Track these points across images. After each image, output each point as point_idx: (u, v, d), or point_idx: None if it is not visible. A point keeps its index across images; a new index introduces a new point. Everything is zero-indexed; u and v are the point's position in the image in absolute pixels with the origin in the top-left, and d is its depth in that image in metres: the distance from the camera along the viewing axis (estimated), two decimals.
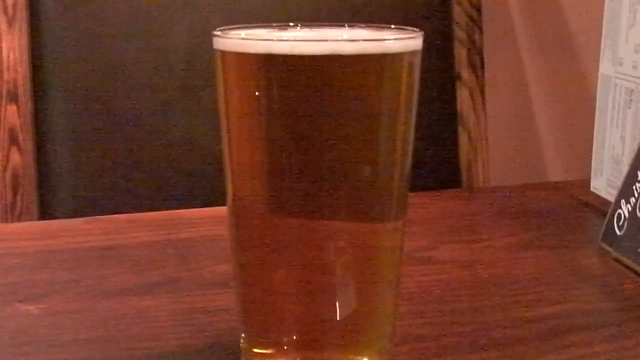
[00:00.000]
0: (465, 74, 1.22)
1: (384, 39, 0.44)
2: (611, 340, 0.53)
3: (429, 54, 1.21)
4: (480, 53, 1.23)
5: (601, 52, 0.78)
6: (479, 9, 1.21)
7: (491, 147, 1.19)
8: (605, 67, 0.78)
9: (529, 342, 0.53)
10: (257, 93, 0.43)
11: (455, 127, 1.21)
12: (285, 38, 0.43)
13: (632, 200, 0.66)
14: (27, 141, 0.98)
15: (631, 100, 0.74)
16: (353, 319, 0.44)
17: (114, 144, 1.01)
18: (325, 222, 0.43)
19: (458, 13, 1.20)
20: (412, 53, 0.44)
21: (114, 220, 0.76)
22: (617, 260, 0.66)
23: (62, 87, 0.99)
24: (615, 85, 0.76)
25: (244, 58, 0.43)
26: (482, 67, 1.23)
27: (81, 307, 0.57)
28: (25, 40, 0.98)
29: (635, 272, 0.63)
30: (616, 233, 0.67)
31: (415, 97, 0.45)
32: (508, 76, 1.30)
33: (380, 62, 0.43)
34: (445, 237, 0.72)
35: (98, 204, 0.99)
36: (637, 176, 0.66)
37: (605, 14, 0.77)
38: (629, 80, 0.74)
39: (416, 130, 0.45)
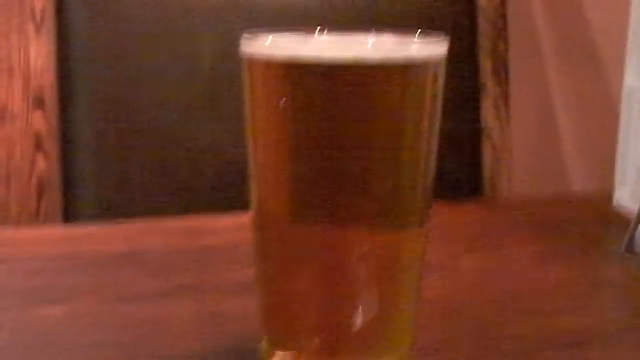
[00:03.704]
0: (490, 84, 1.21)
1: (409, 46, 0.43)
2: (631, 350, 0.53)
3: (454, 63, 1.21)
4: (505, 63, 1.22)
5: (626, 63, 0.78)
6: (504, 19, 1.21)
7: (515, 157, 1.18)
8: (630, 78, 0.78)
9: (548, 351, 0.52)
10: (281, 99, 0.43)
11: (479, 138, 1.21)
12: (311, 44, 0.43)
13: None
14: (52, 147, 0.98)
15: None
16: (373, 326, 0.45)
17: (138, 150, 1.01)
18: (348, 229, 0.44)
19: (483, 23, 1.20)
20: (437, 60, 0.44)
21: (136, 226, 0.77)
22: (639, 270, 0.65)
23: (88, 93, 1.00)
24: (638, 97, 0.76)
25: (270, 63, 0.43)
26: (507, 77, 1.22)
27: (102, 311, 0.57)
28: (52, 47, 0.98)
29: None
30: (638, 244, 0.66)
31: (439, 106, 0.45)
32: (532, 86, 1.29)
33: (405, 69, 0.43)
34: (464, 246, 0.71)
35: (121, 210, 0.99)
36: None
37: (631, 24, 0.77)
38: None
39: (440, 141, 0.45)
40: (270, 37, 0.43)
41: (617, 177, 0.79)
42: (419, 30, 0.45)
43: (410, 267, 0.46)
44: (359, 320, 0.44)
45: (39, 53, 0.98)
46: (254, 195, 0.45)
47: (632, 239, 0.67)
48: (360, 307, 0.44)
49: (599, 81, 1.26)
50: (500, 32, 1.21)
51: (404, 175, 0.44)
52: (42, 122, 0.98)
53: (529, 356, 0.52)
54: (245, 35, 0.44)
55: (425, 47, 0.43)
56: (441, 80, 0.44)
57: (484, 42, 1.20)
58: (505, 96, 1.22)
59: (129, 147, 1.01)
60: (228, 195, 0.98)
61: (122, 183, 1.01)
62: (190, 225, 0.76)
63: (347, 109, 0.42)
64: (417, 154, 0.44)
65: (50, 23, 0.98)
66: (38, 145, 0.97)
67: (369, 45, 0.43)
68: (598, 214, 0.80)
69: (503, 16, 1.21)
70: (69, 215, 0.98)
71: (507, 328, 0.56)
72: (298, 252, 0.44)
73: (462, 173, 1.19)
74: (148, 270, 0.65)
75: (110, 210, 1.00)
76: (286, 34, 0.44)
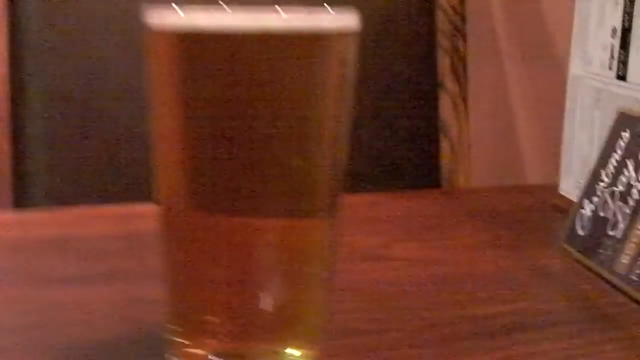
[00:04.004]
0: (449, 82, 1.21)
1: (317, 19, 0.41)
2: (561, 338, 0.52)
3: (412, 61, 1.21)
4: (463, 61, 1.22)
5: (571, 53, 0.77)
6: (463, 18, 1.20)
7: (473, 153, 1.18)
8: (574, 68, 0.76)
9: (474, 339, 0.51)
10: (179, 74, 0.41)
11: (437, 136, 1.20)
12: (217, 15, 0.41)
13: (595, 200, 0.65)
14: (3, 142, 0.97)
15: (599, 100, 0.72)
16: (281, 312, 0.43)
17: (91, 144, 0.99)
18: (252, 215, 0.41)
19: (442, 21, 1.19)
20: (346, 34, 0.42)
21: (72, 212, 0.75)
22: (578, 261, 0.64)
23: (41, 87, 0.98)
24: (584, 85, 0.75)
25: (168, 35, 0.41)
26: (465, 75, 1.22)
27: (20, 295, 0.55)
28: (4, 39, 0.97)
29: (595, 273, 0.62)
30: (578, 233, 0.65)
31: (350, 86, 0.43)
32: (491, 84, 1.28)
33: (312, 42, 0.41)
34: (402, 235, 0.70)
35: (73, 204, 0.97)
36: (600, 176, 0.65)
37: (576, 12, 0.76)
38: (597, 80, 0.73)
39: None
40: (174, 8, 0.41)
41: (562, 167, 0.78)
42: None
43: (319, 254, 0.44)
44: (266, 306, 0.42)
45: None
46: (156, 183, 0.43)
47: (571, 229, 0.66)
48: (268, 293, 0.42)
49: (556, 79, 1.25)
50: (459, 30, 1.21)
51: (310, 159, 0.42)
52: None
53: (453, 342, 0.50)
54: (146, 7, 0.42)
55: (333, 21, 0.41)
56: (351, 58, 0.42)
57: (443, 41, 1.19)
58: (464, 95, 1.21)
59: (82, 141, 0.99)
60: None
61: (74, 178, 1.00)
62: (129, 213, 0.74)
63: (251, 82, 0.39)
64: (324, 136, 0.42)
65: (1, 17, 0.96)
66: None
67: (276, 17, 0.41)
68: (545, 204, 0.79)
69: (462, 15, 1.20)
70: (21, 208, 0.97)
71: (435, 315, 0.54)
72: (202, 239, 0.42)
73: (420, 169, 1.19)
74: (76, 255, 0.63)
75: (62, 205, 0.98)
76: (192, 6, 0.42)
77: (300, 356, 0.44)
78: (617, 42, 0.70)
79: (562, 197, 0.78)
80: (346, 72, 0.42)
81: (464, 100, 1.22)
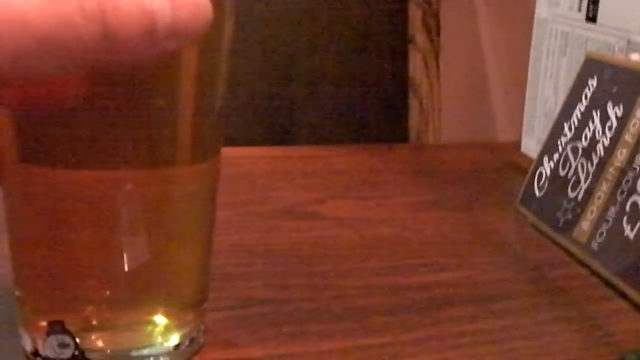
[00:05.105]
0: (420, 37, 1.14)
1: None
2: (501, 315, 0.43)
3: (381, 14, 1.13)
4: (436, 16, 1.14)
5: None
6: None
7: (444, 111, 1.10)
8: (540, 9, 0.67)
9: (397, 313, 0.42)
10: None
11: (406, 94, 1.14)
12: None
13: (556, 156, 0.56)
14: None
15: (566, 46, 0.64)
16: (142, 275, 0.34)
17: None
18: (105, 167, 0.33)
19: None
20: None
21: None
22: (533, 226, 0.56)
23: None
24: (551, 29, 0.66)
25: None
26: (438, 31, 1.15)
27: None
28: None
29: (551, 240, 0.53)
30: (535, 194, 0.57)
31: (227, 20, 0.34)
32: (463, 40, 1.20)
33: None
34: (338, 192, 0.61)
35: None
36: (563, 129, 0.56)
37: None
38: (564, 23, 0.64)
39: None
40: None
41: (525, 123, 0.69)
42: None
43: (186, 208, 0.35)
44: (123, 269, 0.34)
45: None
46: None
47: (527, 189, 0.58)
48: (129, 255, 0.34)
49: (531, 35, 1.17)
50: None
51: (174, 99, 0.33)
52: None
53: (371, 316, 0.42)
54: None
55: None
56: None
57: None
58: (436, 51, 1.15)
59: None
60: None
61: None
62: None
63: None
64: (189, 73, 0.34)
65: None
66: None
67: None
68: (503, 163, 0.71)
69: None
70: None
71: (357, 283, 0.46)
72: (47, 195, 0.33)
73: (388, 126, 1.12)
74: None
75: None
76: None
77: (171, 325, 0.36)
78: None
79: (524, 155, 0.69)
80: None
81: (436, 57, 1.15)
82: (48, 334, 0.33)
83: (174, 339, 0.36)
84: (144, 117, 0.33)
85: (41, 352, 0.34)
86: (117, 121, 0.32)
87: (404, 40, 1.13)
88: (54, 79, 0.29)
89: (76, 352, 0.33)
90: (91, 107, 0.31)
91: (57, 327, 0.33)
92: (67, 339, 0.33)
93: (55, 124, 0.32)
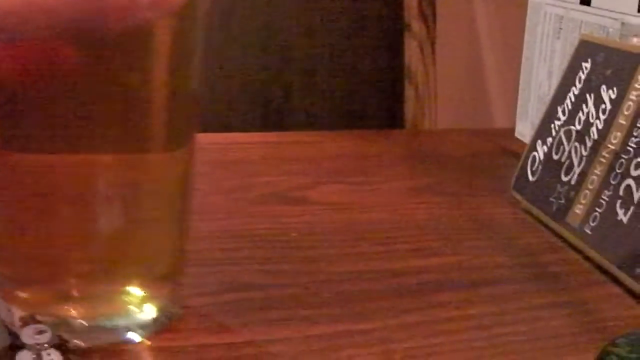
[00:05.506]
0: (416, 25, 1.13)
1: None
2: (492, 301, 0.43)
3: (377, 2, 1.12)
4: (432, 3, 1.14)
5: None
6: None
7: (440, 98, 1.10)
8: None
9: (386, 298, 0.42)
10: None
11: (402, 81, 1.13)
12: None
13: (549, 140, 0.55)
14: None
15: (561, 29, 0.63)
16: (116, 247, 0.35)
17: None
18: (77, 150, 0.33)
19: None
20: None
21: None
22: (526, 210, 0.55)
23: None
24: (545, 12, 0.65)
25: None
26: (434, 18, 1.14)
27: None
28: None
29: (545, 225, 0.53)
30: (529, 179, 0.56)
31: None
32: (459, 28, 1.19)
33: None
34: (330, 176, 0.60)
35: None
36: (556, 112, 0.56)
37: None
38: (558, 6, 0.63)
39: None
40: None
41: (519, 108, 0.69)
42: None
43: (161, 191, 0.36)
44: (102, 242, 0.35)
45: None
46: None
47: (521, 174, 0.57)
48: (102, 228, 0.34)
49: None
50: None
51: (148, 80, 0.33)
52: None
53: (360, 302, 0.41)
54: None
55: None
56: None
57: None
58: (432, 39, 1.14)
59: None
60: None
61: None
62: None
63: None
64: (163, 53, 0.33)
65: None
66: None
67: None
68: (498, 149, 0.70)
69: None
70: None
71: (346, 268, 0.45)
72: (22, 180, 0.34)
73: (385, 113, 1.12)
74: None
75: None
76: None
77: (146, 297, 0.36)
78: None
79: (519, 141, 0.68)
80: None
81: (432, 44, 1.15)
82: (23, 326, 0.33)
83: (150, 311, 0.36)
84: (118, 95, 0.32)
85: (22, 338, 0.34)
86: (90, 101, 0.31)
87: (400, 27, 1.12)
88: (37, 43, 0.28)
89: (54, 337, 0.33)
90: (65, 88, 0.31)
91: (30, 320, 0.33)
92: (43, 326, 0.33)
93: (31, 108, 0.31)
